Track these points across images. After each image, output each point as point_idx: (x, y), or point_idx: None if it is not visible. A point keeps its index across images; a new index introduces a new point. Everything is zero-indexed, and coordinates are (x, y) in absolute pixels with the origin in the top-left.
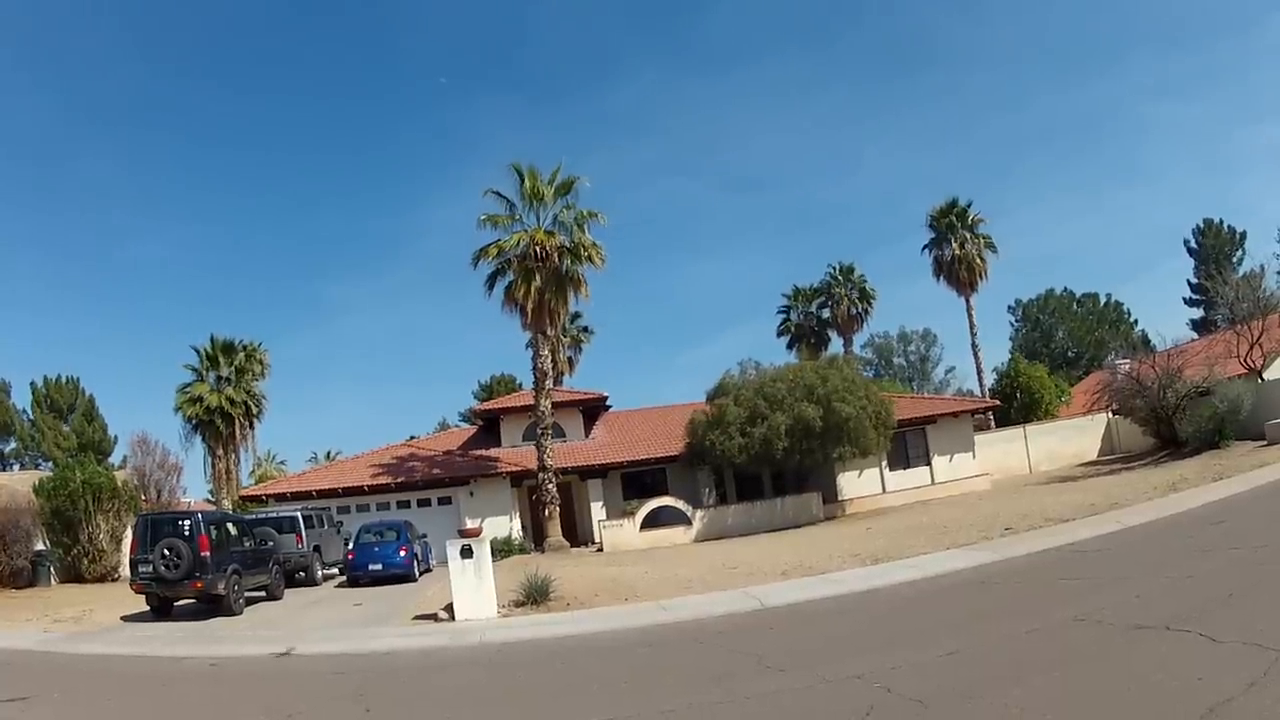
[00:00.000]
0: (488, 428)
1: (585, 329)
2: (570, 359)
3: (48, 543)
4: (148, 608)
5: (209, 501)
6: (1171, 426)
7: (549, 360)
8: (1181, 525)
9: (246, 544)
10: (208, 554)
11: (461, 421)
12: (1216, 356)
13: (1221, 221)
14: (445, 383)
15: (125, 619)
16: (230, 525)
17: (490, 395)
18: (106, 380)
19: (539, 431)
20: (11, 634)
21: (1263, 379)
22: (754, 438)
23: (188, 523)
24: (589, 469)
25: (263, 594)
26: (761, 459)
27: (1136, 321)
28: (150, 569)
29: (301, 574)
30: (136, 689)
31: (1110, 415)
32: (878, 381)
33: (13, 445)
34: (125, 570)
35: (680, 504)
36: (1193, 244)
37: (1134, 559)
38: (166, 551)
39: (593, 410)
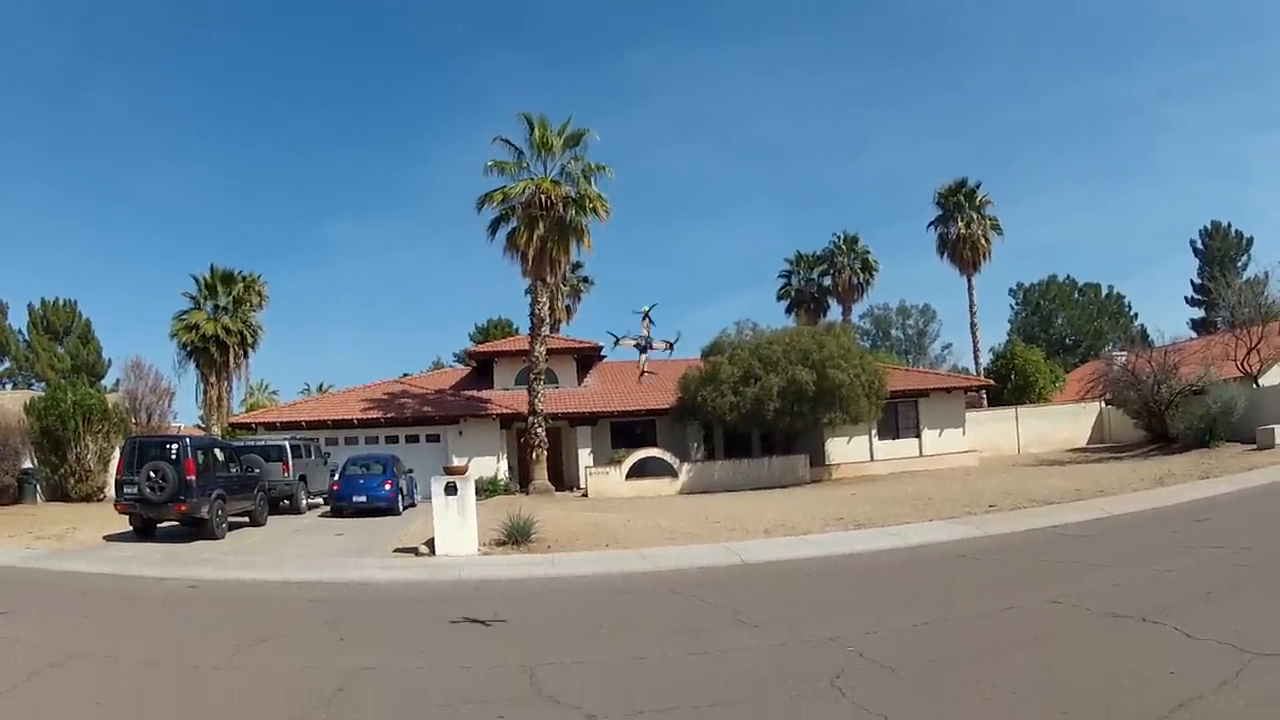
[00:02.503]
0: (481, 370)
1: (585, 279)
2: (569, 307)
3: (35, 461)
4: (131, 528)
5: (199, 428)
6: (1163, 421)
7: (546, 307)
8: (1166, 519)
9: (233, 470)
10: (193, 478)
11: (456, 363)
12: (1213, 358)
13: (1229, 225)
14: (442, 326)
15: (108, 539)
16: (217, 451)
17: (486, 339)
18: (105, 307)
19: (531, 376)
20: None
21: (1258, 384)
22: (745, 397)
23: (175, 446)
24: (579, 416)
25: (246, 520)
26: (752, 418)
27: (1136, 315)
28: (135, 490)
29: (286, 502)
30: (114, 607)
31: (1103, 405)
32: (874, 352)
33: (6, 365)
34: (111, 491)
35: (667, 456)
36: (1199, 245)
37: (1115, 548)
38: (152, 474)
39: (587, 359)
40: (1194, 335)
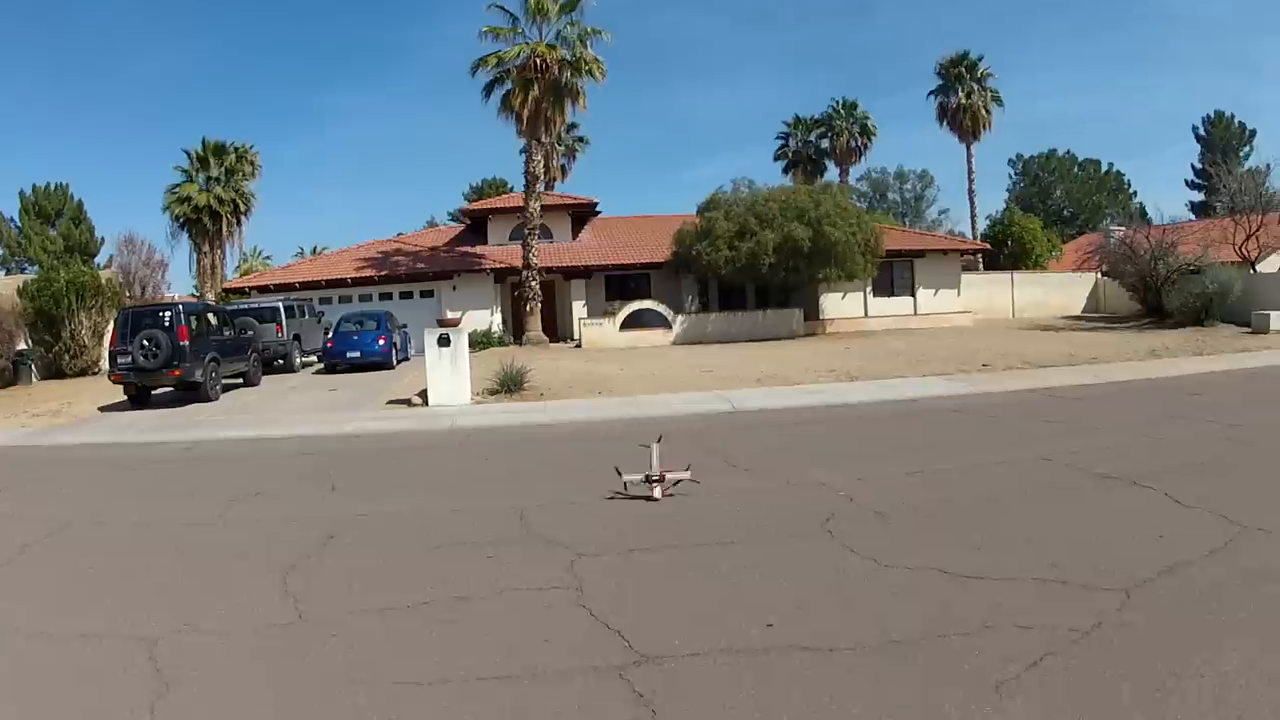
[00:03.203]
0: (475, 227)
1: (581, 139)
2: (564, 167)
3: (30, 343)
4: (125, 398)
5: (194, 297)
6: (1159, 297)
7: (541, 165)
8: (1159, 390)
9: (226, 333)
10: (186, 342)
11: (450, 221)
12: (1211, 240)
13: (1233, 116)
14: (436, 187)
15: (103, 410)
16: (210, 315)
17: (481, 197)
18: (99, 187)
19: (526, 231)
20: None
21: (1254, 269)
22: (741, 251)
23: (168, 313)
24: (573, 269)
25: (240, 381)
26: (746, 272)
27: (1136, 194)
28: (129, 359)
29: (280, 362)
30: (109, 475)
31: (1099, 276)
32: (870, 213)
33: (0, 253)
34: (105, 364)
35: (661, 308)
36: (1201, 132)
37: (1107, 413)
38: (145, 341)
39: (581, 215)
40: (1193, 218)
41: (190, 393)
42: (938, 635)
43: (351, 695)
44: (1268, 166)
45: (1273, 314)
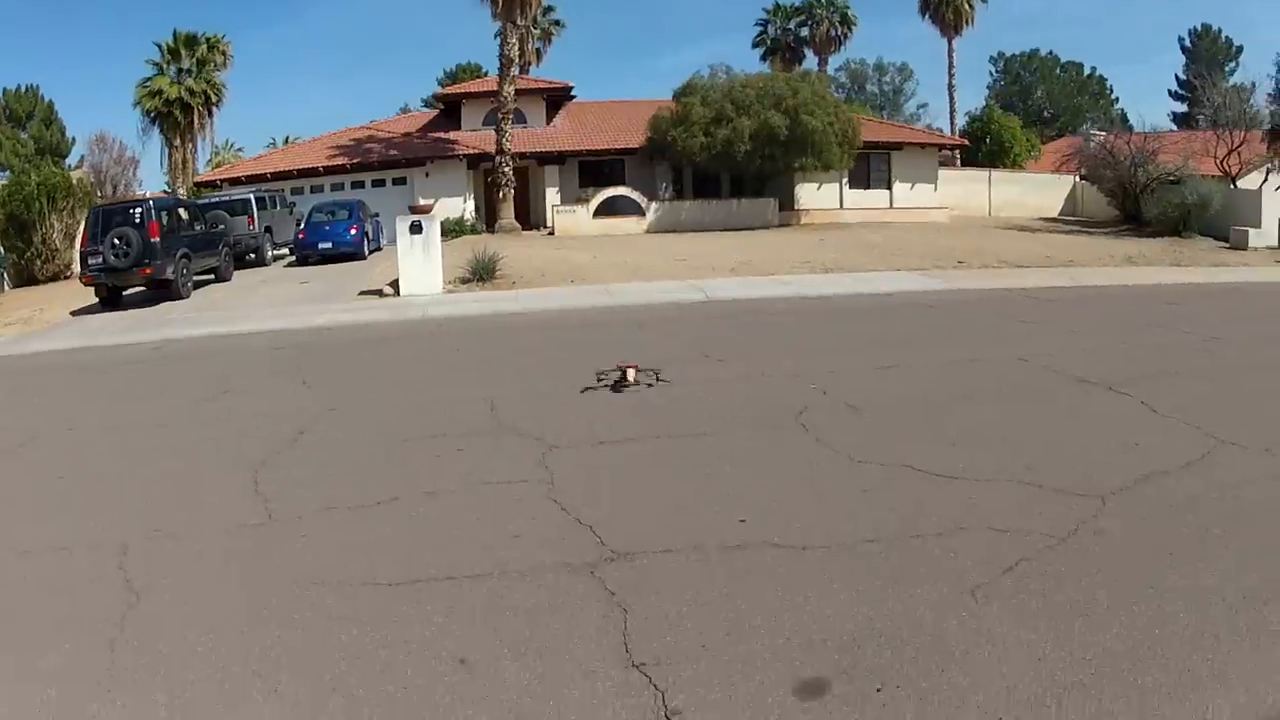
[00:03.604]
0: (448, 112)
1: (557, 22)
2: (539, 51)
3: (2, 249)
4: (97, 300)
5: (165, 192)
6: (1137, 204)
7: (516, 49)
8: (1136, 298)
9: (197, 228)
10: (157, 239)
11: (424, 108)
12: (1192, 151)
13: (1220, 30)
14: (411, 74)
15: (75, 314)
16: (181, 210)
17: (455, 82)
18: (70, 86)
19: (500, 116)
20: None
21: (1235, 185)
22: (716, 138)
23: (139, 210)
24: (547, 155)
25: (212, 276)
26: (722, 160)
27: (1118, 100)
28: (100, 259)
29: (252, 255)
30: (81, 380)
31: (1077, 179)
32: (849, 104)
33: None
34: (78, 268)
35: (635, 195)
36: (1187, 43)
37: (1084, 317)
38: (117, 240)
39: (556, 99)
40: (1174, 129)
41: (161, 291)
42: (912, 535)
43: (321, 598)
44: (1253, 84)
45: (1251, 231)
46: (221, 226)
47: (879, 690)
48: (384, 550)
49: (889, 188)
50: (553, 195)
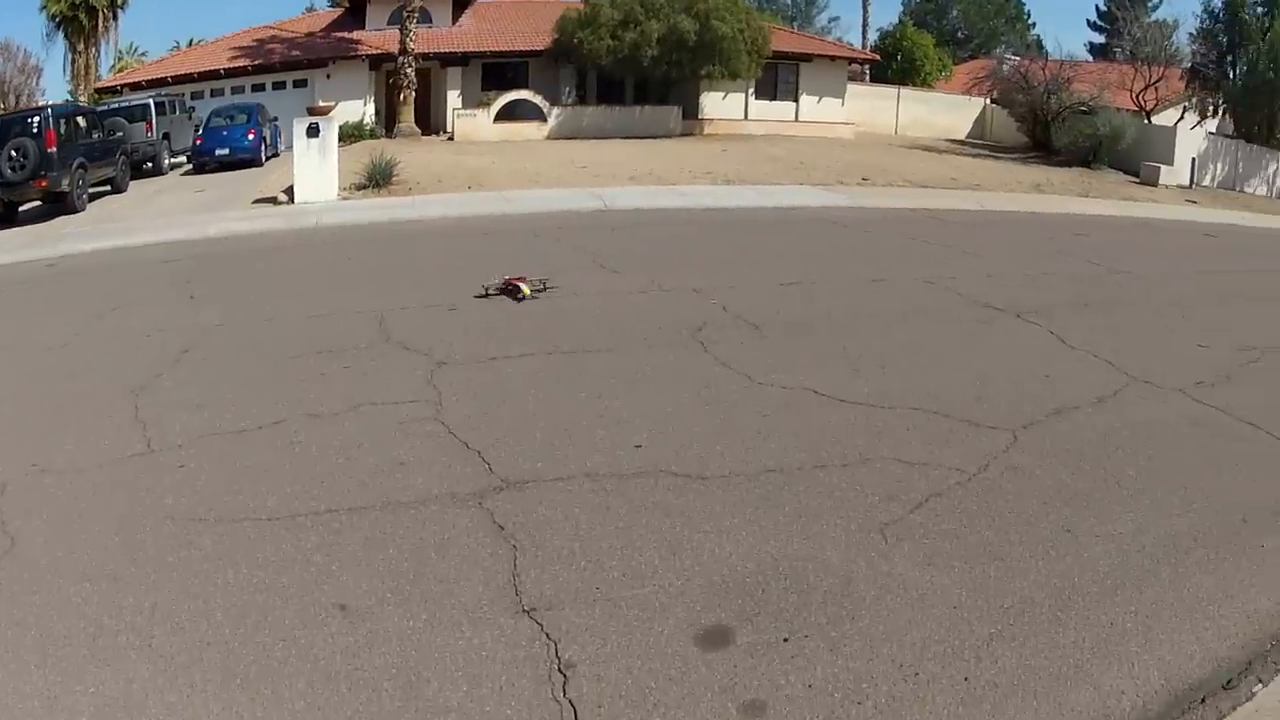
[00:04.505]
0: (354, 11)
1: None
2: None
3: None
4: None
5: (67, 101)
6: (1048, 132)
7: None
8: (1043, 225)
9: (94, 136)
10: (54, 150)
11: (329, 6)
12: (1108, 83)
13: None
14: None
15: None
16: (80, 118)
17: None
18: None
19: (404, 15)
20: None
21: (1149, 120)
22: (624, 41)
23: (36, 119)
24: (450, 56)
25: (108, 188)
26: (628, 65)
27: (1035, 25)
28: None
29: (149, 164)
30: None
31: (988, 103)
32: (760, 12)
33: None
34: None
35: (538, 99)
36: None
37: (991, 242)
38: (14, 152)
39: None
40: (1090, 60)
41: (57, 205)
42: (815, 465)
43: (199, 536)
44: (1175, 22)
45: (1163, 167)
46: (119, 134)
47: (786, 641)
48: (264, 480)
49: (796, 100)
50: (455, 99)
